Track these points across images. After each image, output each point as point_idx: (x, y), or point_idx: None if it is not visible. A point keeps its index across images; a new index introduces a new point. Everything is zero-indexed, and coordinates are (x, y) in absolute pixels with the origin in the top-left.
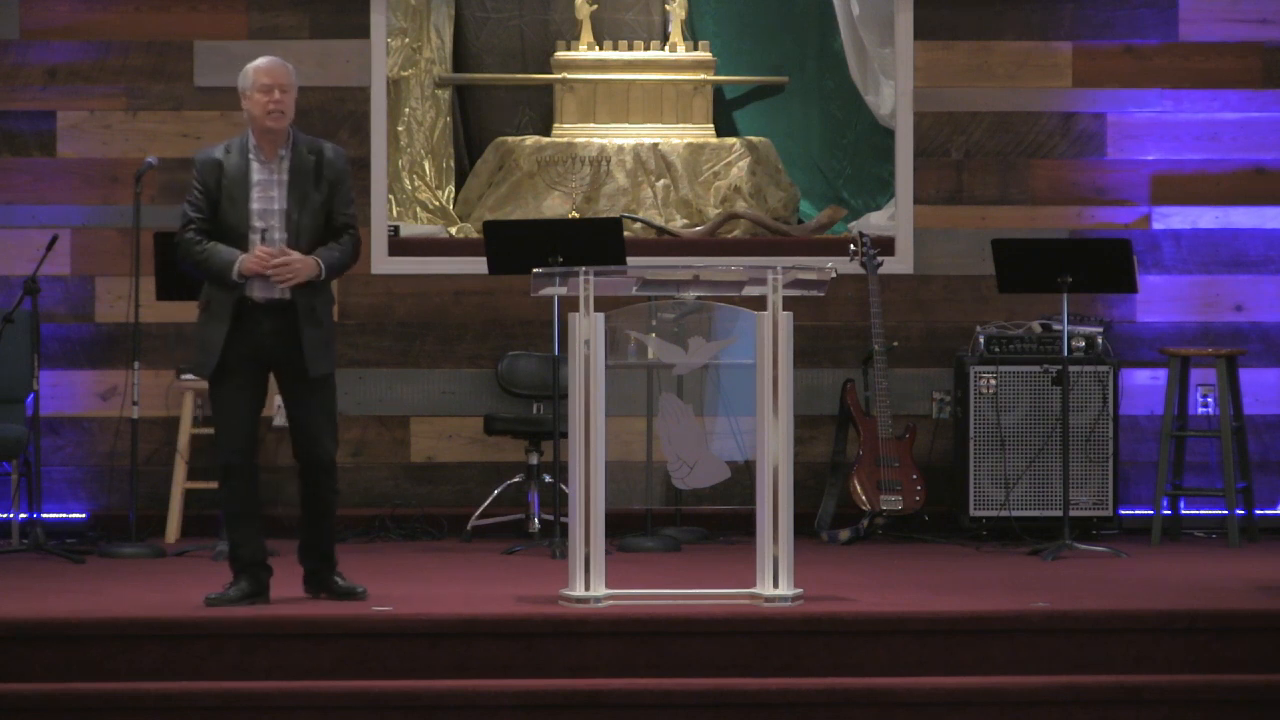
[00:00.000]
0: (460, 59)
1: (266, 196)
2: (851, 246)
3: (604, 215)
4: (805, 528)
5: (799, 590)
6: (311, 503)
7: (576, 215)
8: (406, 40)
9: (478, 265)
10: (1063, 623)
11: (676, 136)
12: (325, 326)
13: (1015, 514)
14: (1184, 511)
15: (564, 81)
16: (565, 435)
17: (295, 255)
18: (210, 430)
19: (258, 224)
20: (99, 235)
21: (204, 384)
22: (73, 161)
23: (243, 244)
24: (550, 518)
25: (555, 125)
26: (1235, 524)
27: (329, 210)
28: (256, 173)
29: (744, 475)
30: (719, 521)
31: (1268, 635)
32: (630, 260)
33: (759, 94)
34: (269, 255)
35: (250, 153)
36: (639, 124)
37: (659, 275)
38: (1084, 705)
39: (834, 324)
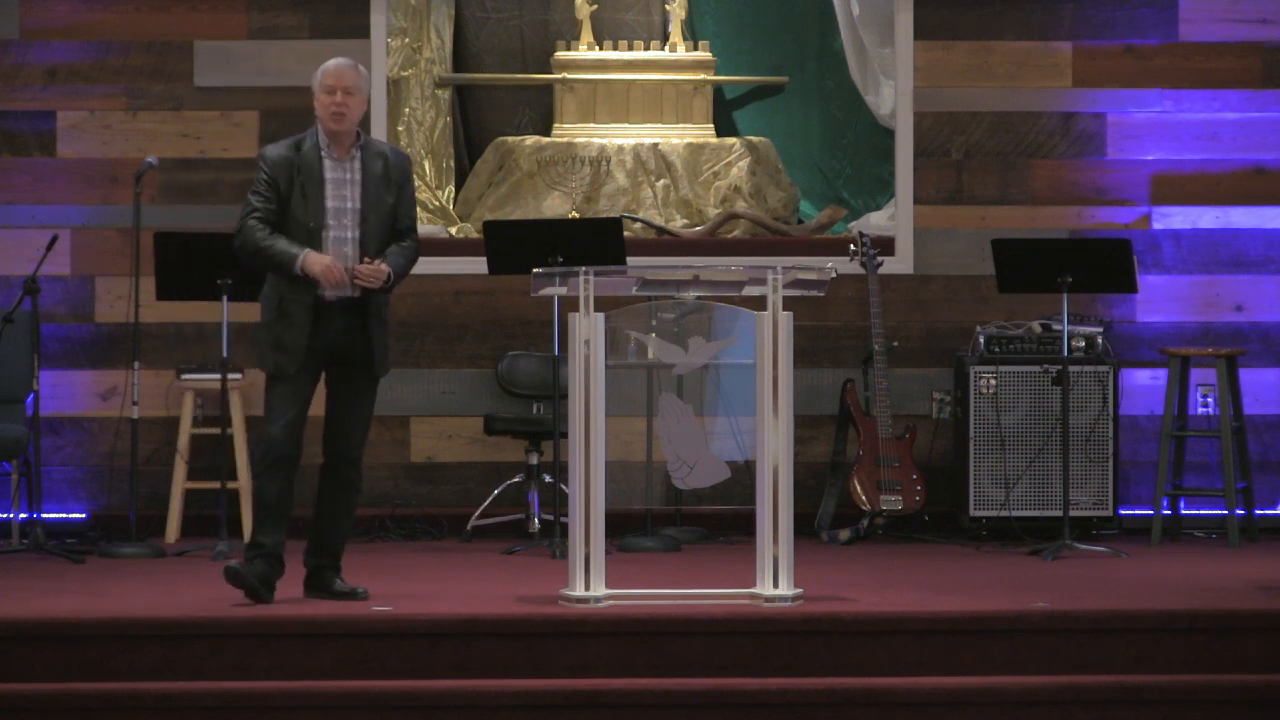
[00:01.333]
0: (460, 59)
1: (340, 195)
2: (851, 246)
3: (604, 215)
4: (805, 528)
5: (799, 590)
6: (333, 498)
7: (576, 215)
8: (406, 40)
9: (478, 265)
10: (1063, 623)
11: (676, 136)
12: (388, 327)
13: (1015, 514)
14: (1184, 511)
15: (564, 81)
16: (565, 435)
17: (382, 265)
18: (211, 430)
19: (331, 222)
20: (99, 235)
21: (204, 384)
22: (73, 161)
23: (314, 240)
24: (550, 518)
25: (555, 125)
26: (1235, 524)
27: (396, 213)
28: (330, 170)
29: (744, 475)
30: (719, 521)
31: (1268, 635)
32: (630, 260)
33: (759, 94)
34: (352, 271)
35: (322, 150)
36: (639, 124)
37: (659, 275)
38: (1084, 705)
39: (834, 324)
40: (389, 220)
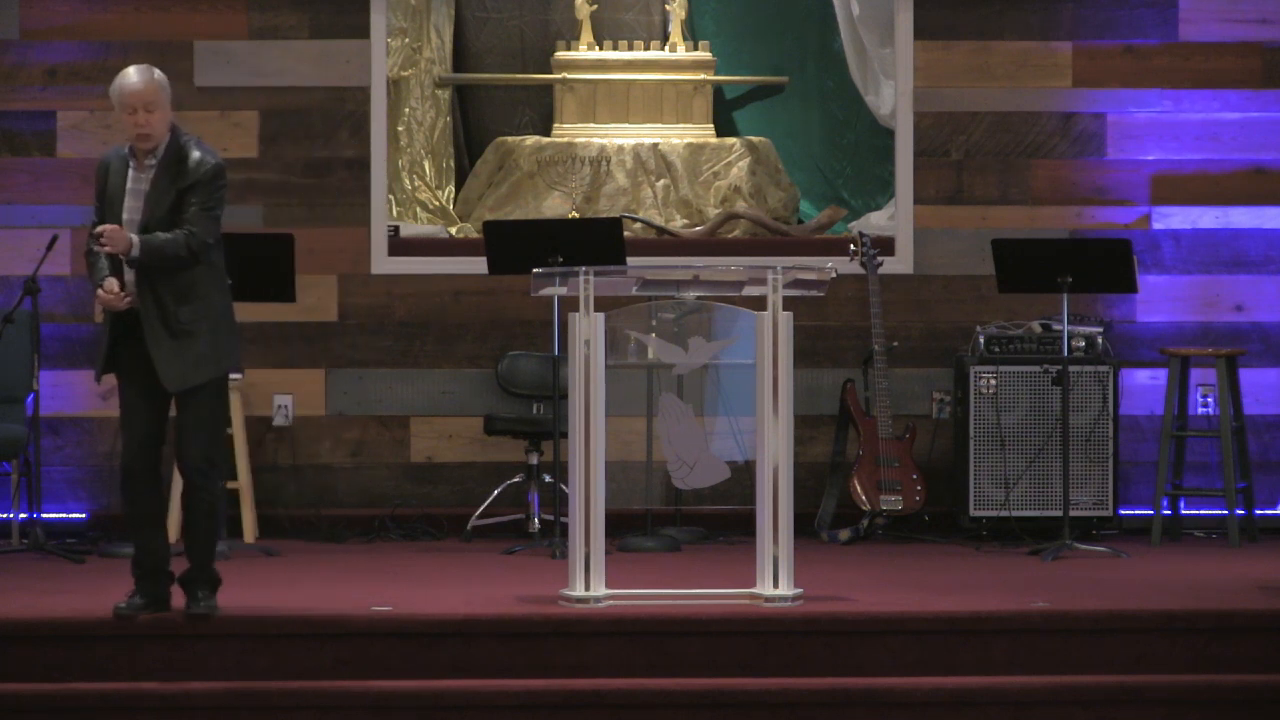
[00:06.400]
0: (460, 59)
1: (133, 207)
2: (851, 246)
3: (604, 215)
4: (805, 528)
5: (799, 590)
6: (186, 509)
7: (576, 215)
8: (406, 40)
9: (478, 265)
10: (1063, 623)
11: (676, 136)
12: (196, 336)
13: (1015, 514)
14: (1184, 511)
15: (564, 81)
16: (565, 435)
17: (109, 228)
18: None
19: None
20: None
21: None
22: (73, 161)
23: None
24: (550, 518)
25: (555, 125)
26: (1235, 524)
27: (177, 212)
28: (131, 180)
29: (744, 475)
30: (719, 521)
31: (1268, 635)
32: (630, 260)
33: (759, 94)
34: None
35: (129, 159)
36: (639, 124)
37: (659, 275)
38: (1084, 705)
39: (834, 324)
40: (166, 224)
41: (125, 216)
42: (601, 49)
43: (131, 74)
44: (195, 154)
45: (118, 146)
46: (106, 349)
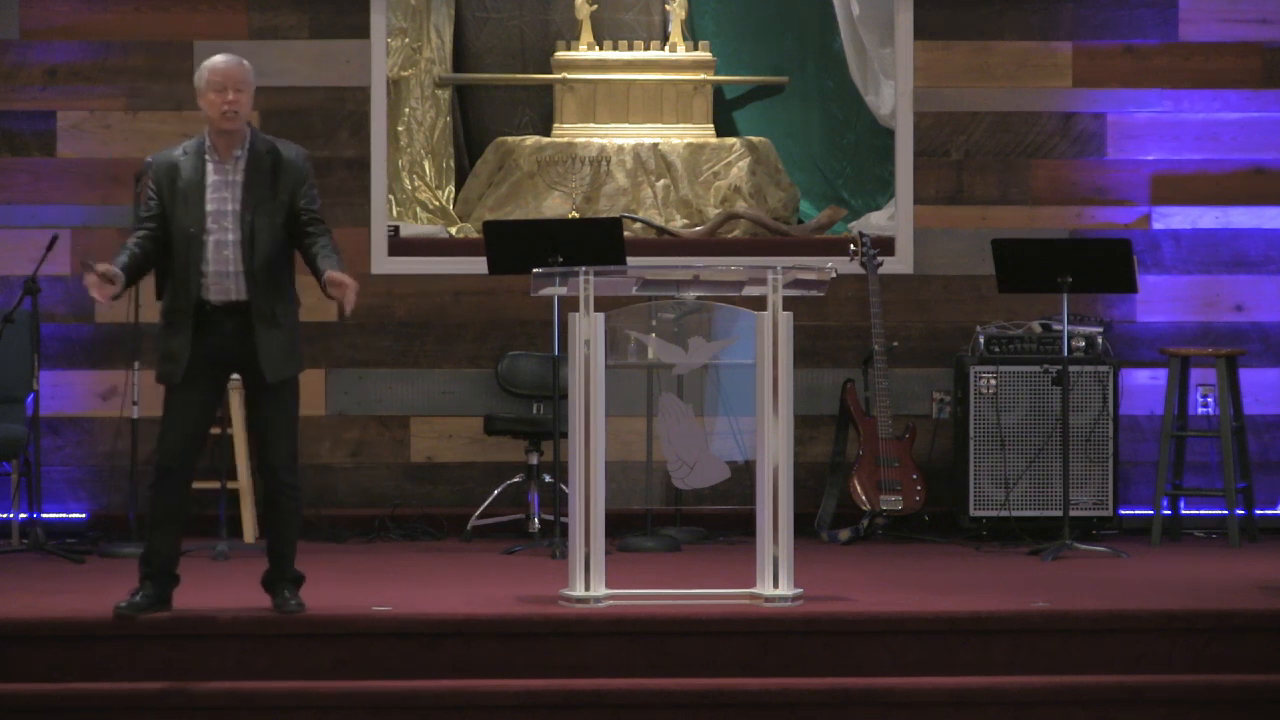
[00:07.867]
0: (460, 59)
1: (220, 198)
2: (851, 246)
3: (604, 215)
4: (805, 528)
5: (799, 590)
6: (270, 511)
7: (576, 215)
8: (406, 40)
9: (478, 265)
10: (1063, 623)
11: (676, 136)
12: (286, 329)
13: (1015, 514)
14: (1184, 511)
15: (564, 81)
16: (565, 435)
17: (349, 280)
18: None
19: (212, 226)
20: (99, 235)
21: None
22: (73, 161)
23: (196, 245)
24: (550, 518)
25: (555, 125)
26: (1235, 524)
27: (291, 210)
28: (212, 174)
29: (744, 475)
30: (719, 521)
31: (1268, 635)
32: (630, 260)
33: (759, 94)
34: (104, 280)
35: (206, 153)
36: (639, 124)
37: (659, 275)
38: (1084, 705)
39: (834, 324)
40: (278, 219)
41: (211, 208)
42: (601, 49)
43: (219, 57)
44: (285, 149)
45: (180, 145)
46: (189, 348)
